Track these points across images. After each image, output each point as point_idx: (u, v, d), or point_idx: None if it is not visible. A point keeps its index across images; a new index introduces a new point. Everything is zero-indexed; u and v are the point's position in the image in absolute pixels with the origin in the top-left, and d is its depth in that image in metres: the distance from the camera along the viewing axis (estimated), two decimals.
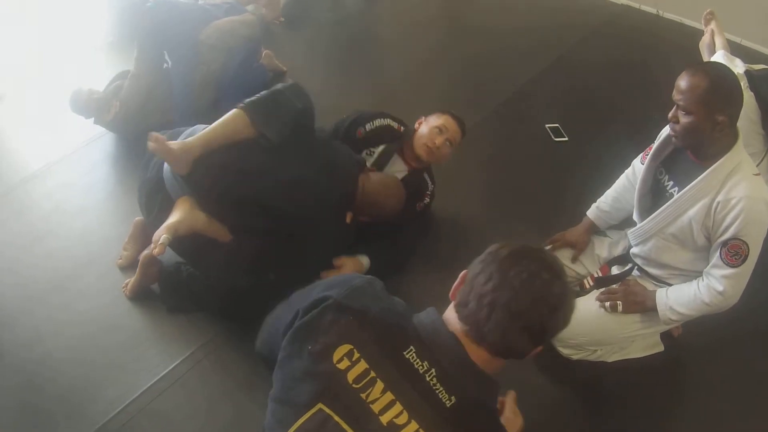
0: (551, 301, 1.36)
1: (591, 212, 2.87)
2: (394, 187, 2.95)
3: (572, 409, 2.69)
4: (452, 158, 3.17)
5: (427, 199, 3.25)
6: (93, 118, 3.80)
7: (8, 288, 3.03)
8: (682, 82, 2.15)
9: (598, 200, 2.85)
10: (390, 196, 2.92)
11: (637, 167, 2.66)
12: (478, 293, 1.37)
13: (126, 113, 3.69)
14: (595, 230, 2.88)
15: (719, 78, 2.12)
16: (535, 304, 1.35)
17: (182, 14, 3.80)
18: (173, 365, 2.69)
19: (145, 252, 2.89)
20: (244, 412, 2.53)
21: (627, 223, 2.71)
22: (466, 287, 1.42)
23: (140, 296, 2.93)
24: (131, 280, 2.92)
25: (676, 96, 2.17)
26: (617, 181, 2.80)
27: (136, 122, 3.66)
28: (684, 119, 2.16)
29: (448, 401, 1.34)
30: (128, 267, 3.06)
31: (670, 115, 2.22)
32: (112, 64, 4.23)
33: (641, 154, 2.65)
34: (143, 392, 2.59)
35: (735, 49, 3.55)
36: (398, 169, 3.19)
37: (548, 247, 2.91)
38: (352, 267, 2.94)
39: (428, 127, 3.13)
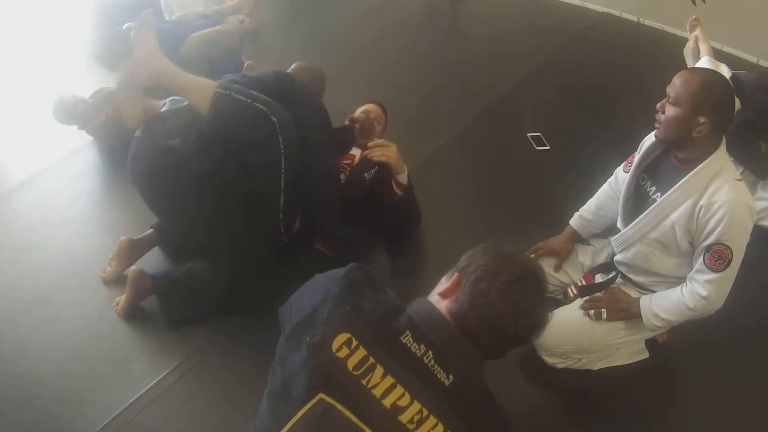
0: (542, 322, 1.50)
1: (574, 221, 2.89)
2: (310, 65, 3.47)
3: (558, 418, 2.69)
4: (432, 167, 3.20)
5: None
6: (77, 125, 3.78)
7: None
8: (680, 77, 2.20)
9: (581, 209, 2.88)
10: (313, 70, 3.45)
11: (620, 176, 2.68)
12: (480, 315, 1.44)
13: (118, 121, 3.65)
14: (578, 238, 2.90)
15: (715, 84, 2.16)
16: (532, 329, 1.48)
17: (160, 32, 3.77)
18: (159, 378, 2.68)
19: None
20: (231, 423, 2.52)
21: (610, 231, 2.73)
22: (464, 302, 1.47)
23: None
24: (122, 297, 2.90)
25: (669, 88, 2.22)
26: (600, 190, 2.83)
27: (127, 131, 3.63)
28: (670, 110, 2.20)
29: (446, 380, 1.39)
30: (112, 281, 3.05)
31: (658, 105, 2.26)
32: (96, 72, 4.21)
33: (624, 163, 2.68)
34: (129, 405, 2.57)
35: (716, 55, 3.58)
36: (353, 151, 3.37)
37: (531, 256, 2.92)
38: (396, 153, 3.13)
39: (356, 114, 3.48)
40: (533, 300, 1.46)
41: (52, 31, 4.80)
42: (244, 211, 2.73)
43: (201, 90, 2.61)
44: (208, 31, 3.94)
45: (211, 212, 2.72)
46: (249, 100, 2.59)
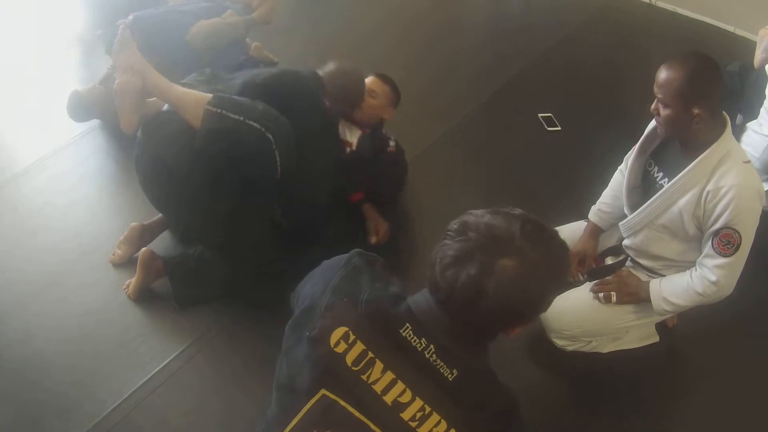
0: (526, 294, 1.29)
1: (593, 215, 2.80)
2: (350, 65, 3.21)
3: (567, 401, 2.70)
4: (443, 148, 3.18)
5: (393, 143, 3.45)
6: (95, 116, 3.78)
7: (0, 284, 3.01)
8: (660, 74, 2.17)
9: (598, 202, 2.80)
10: (350, 72, 3.18)
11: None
12: (441, 298, 1.32)
13: None
14: (599, 233, 2.81)
15: (695, 70, 2.11)
16: (514, 305, 1.30)
17: (165, 23, 3.76)
18: (167, 361, 2.69)
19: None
20: (237, 406, 2.54)
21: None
22: (429, 278, 1.34)
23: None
24: (132, 280, 2.90)
25: (655, 89, 2.19)
26: (612, 179, 2.78)
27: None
28: (663, 112, 2.19)
29: (450, 375, 1.33)
30: (120, 264, 3.06)
31: (652, 107, 2.24)
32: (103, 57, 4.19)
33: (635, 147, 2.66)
34: (138, 388, 2.59)
35: (728, 39, 3.55)
36: (353, 132, 3.34)
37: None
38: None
39: None
40: (496, 271, 1.24)
41: (52, 30, 4.78)
42: (242, 211, 2.74)
43: (191, 106, 2.56)
44: (214, 22, 3.91)
45: (209, 214, 2.72)
46: (242, 118, 2.54)
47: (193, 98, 2.59)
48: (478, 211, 1.36)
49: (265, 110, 2.63)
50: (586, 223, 2.85)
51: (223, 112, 2.53)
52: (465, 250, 1.28)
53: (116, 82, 2.61)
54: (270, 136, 2.57)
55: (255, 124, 2.55)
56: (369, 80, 3.40)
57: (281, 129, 2.63)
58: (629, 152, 2.64)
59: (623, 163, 2.71)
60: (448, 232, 1.35)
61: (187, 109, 2.57)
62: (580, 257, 2.75)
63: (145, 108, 2.67)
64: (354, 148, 3.24)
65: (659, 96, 2.18)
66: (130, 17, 3.69)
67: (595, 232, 2.80)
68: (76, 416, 2.50)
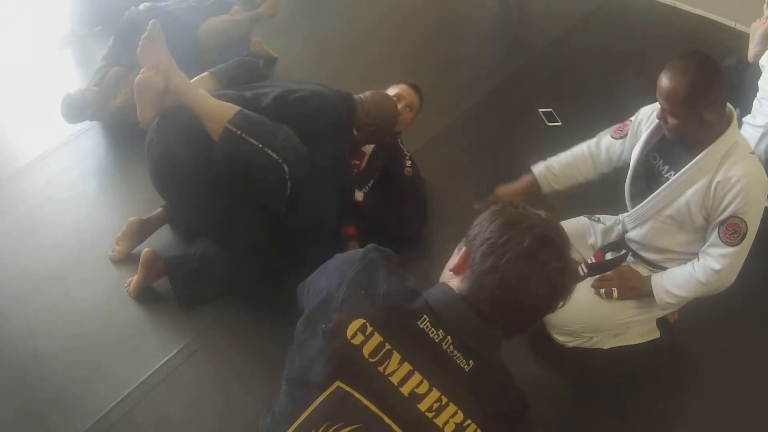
0: (565, 291, 1.39)
1: (538, 169, 2.78)
2: (388, 98, 3.11)
3: (568, 398, 2.70)
4: (444, 143, 3.16)
5: (409, 162, 3.33)
6: (88, 118, 3.77)
7: (2, 280, 3.02)
8: (663, 84, 2.16)
9: (549, 159, 2.79)
10: (386, 107, 3.06)
11: (607, 142, 2.68)
12: (491, 296, 1.36)
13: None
14: (533, 190, 2.79)
15: (698, 74, 2.11)
16: (553, 302, 1.39)
17: (176, 21, 3.75)
18: (167, 357, 2.69)
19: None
20: (238, 402, 2.54)
21: (620, 208, 2.69)
22: (474, 281, 1.39)
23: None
24: (133, 279, 2.90)
25: (659, 98, 2.19)
26: (576, 148, 2.77)
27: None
28: (671, 120, 2.19)
29: (466, 366, 1.35)
30: (119, 261, 3.06)
31: (658, 114, 2.24)
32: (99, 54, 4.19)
33: (613, 128, 2.68)
34: (139, 385, 2.59)
35: (729, 34, 3.53)
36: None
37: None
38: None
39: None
40: (550, 269, 1.33)
41: (51, 30, 4.78)
42: (244, 208, 2.74)
43: (213, 119, 2.54)
44: (223, 20, 3.94)
45: (215, 210, 2.71)
46: (261, 145, 2.51)
47: (215, 111, 2.56)
48: (512, 210, 1.43)
49: (287, 138, 2.60)
50: (585, 218, 2.86)
51: (243, 135, 2.51)
52: (517, 251, 1.34)
53: (138, 77, 2.58)
54: (286, 168, 2.56)
55: (273, 154, 2.53)
56: (403, 90, 3.31)
57: (299, 158, 2.62)
58: (605, 131, 2.70)
59: (595, 139, 2.73)
60: (489, 234, 1.39)
61: (208, 120, 2.55)
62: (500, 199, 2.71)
63: (165, 101, 2.65)
64: (363, 166, 3.21)
65: (665, 107, 2.17)
66: (142, 6, 3.68)
67: (530, 187, 2.80)
68: (78, 413, 2.50)
